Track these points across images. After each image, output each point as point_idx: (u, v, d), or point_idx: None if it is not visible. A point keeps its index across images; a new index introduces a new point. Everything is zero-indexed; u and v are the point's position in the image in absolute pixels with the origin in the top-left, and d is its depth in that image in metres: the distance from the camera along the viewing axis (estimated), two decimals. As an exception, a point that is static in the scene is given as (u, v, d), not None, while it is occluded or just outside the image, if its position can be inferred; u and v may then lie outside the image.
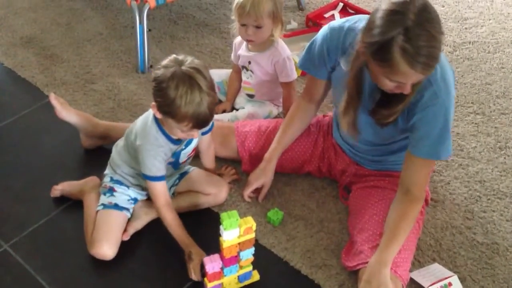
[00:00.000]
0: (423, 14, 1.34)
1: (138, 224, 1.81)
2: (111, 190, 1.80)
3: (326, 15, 2.84)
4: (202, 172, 1.91)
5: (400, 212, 1.64)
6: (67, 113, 1.98)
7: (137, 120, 1.74)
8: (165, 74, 1.51)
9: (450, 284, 1.68)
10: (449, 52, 2.68)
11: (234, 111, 2.25)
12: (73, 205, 1.89)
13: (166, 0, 2.42)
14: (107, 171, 1.84)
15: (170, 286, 1.70)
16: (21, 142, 2.15)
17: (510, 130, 2.28)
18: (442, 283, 1.67)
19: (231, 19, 2.05)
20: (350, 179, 1.92)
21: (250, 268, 1.66)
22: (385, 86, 1.47)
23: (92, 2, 2.94)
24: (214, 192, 1.87)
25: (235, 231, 1.51)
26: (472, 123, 2.30)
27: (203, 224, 1.81)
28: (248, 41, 2.08)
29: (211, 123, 1.70)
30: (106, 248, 1.70)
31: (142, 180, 1.77)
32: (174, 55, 1.57)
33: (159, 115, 1.59)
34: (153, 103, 1.57)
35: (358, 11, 2.82)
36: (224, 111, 2.25)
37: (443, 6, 3.01)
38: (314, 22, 2.76)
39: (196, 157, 1.88)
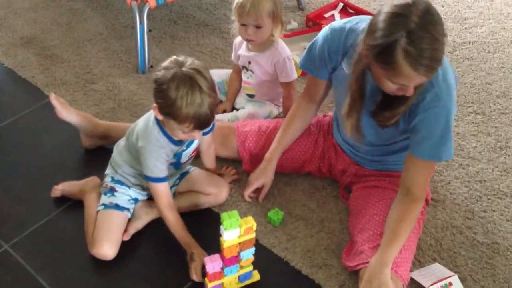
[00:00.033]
0: (426, 16, 1.34)
1: (139, 224, 1.81)
2: (112, 190, 1.80)
3: (326, 15, 2.84)
4: (202, 172, 1.91)
5: (400, 213, 1.64)
6: (67, 113, 1.98)
7: (139, 120, 1.74)
8: (166, 76, 1.51)
9: (450, 284, 1.68)
10: (449, 52, 2.68)
11: (234, 111, 2.25)
12: (73, 205, 1.89)
13: (166, 0, 2.42)
14: (108, 171, 1.84)
15: (170, 286, 1.70)
16: (21, 142, 2.15)
17: (510, 129, 2.28)
18: (442, 283, 1.67)
19: (231, 19, 2.05)
20: (351, 179, 1.92)
21: (251, 268, 1.66)
22: (388, 88, 1.47)
23: (92, 2, 2.95)
24: (214, 192, 1.87)
25: (235, 231, 1.51)
26: (472, 123, 2.30)
27: (204, 224, 1.81)
28: (248, 41, 2.08)
29: (212, 124, 1.70)
30: (107, 248, 1.70)
31: (143, 180, 1.77)
32: (174, 57, 1.57)
33: (160, 117, 1.59)
34: (154, 104, 1.58)
35: (358, 11, 2.82)
36: (224, 111, 2.25)
37: (443, 6, 3.01)
38: (314, 22, 2.76)
39: (196, 157, 1.88)
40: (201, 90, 1.50)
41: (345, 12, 2.87)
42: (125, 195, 1.81)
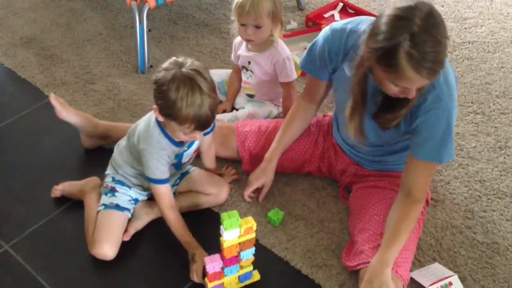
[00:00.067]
0: (429, 19, 1.34)
1: (139, 224, 1.81)
2: (113, 191, 1.80)
3: (326, 15, 2.84)
4: (202, 172, 1.91)
5: (401, 214, 1.65)
6: (67, 113, 1.98)
7: (139, 121, 1.74)
8: (166, 77, 1.51)
9: (450, 283, 1.68)
10: (449, 52, 2.66)
11: (234, 111, 2.25)
12: (73, 205, 1.89)
13: (166, 0, 2.42)
14: (108, 171, 1.84)
15: (170, 286, 1.70)
16: (21, 142, 2.15)
17: (510, 129, 2.28)
18: (442, 283, 1.67)
19: (231, 19, 2.05)
20: (350, 179, 1.92)
21: (251, 268, 1.66)
22: (390, 90, 1.47)
23: (92, 2, 2.94)
24: (214, 192, 1.87)
25: (235, 231, 1.51)
26: (472, 122, 2.30)
27: (204, 224, 1.81)
28: (247, 41, 2.08)
29: (212, 124, 1.70)
30: (107, 248, 1.70)
31: (144, 180, 1.77)
32: (174, 58, 1.57)
33: (161, 118, 1.59)
34: (155, 106, 1.57)
35: (358, 11, 2.82)
36: (224, 111, 2.25)
37: (443, 6, 3.01)
38: (314, 22, 2.76)
39: (197, 157, 1.88)
40: (201, 91, 1.50)
41: (344, 12, 2.87)
42: (126, 195, 1.81)
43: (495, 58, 2.66)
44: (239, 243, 1.55)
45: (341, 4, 2.90)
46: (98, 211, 1.77)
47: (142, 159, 1.67)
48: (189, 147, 1.75)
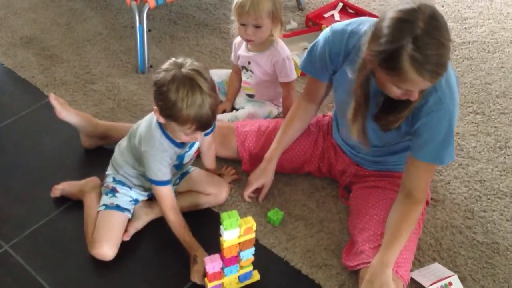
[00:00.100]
0: (431, 22, 1.33)
1: (139, 224, 1.81)
2: (113, 191, 1.80)
3: (326, 15, 2.84)
4: (202, 172, 1.91)
5: (401, 215, 1.65)
6: (67, 113, 1.97)
7: (140, 122, 1.74)
8: (165, 78, 1.51)
9: (450, 283, 1.68)
10: (449, 52, 2.68)
11: (234, 111, 2.25)
12: (73, 205, 1.89)
13: (165, 0, 2.42)
14: (109, 171, 1.84)
15: (170, 286, 1.70)
16: (21, 142, 2.15)
17: (510, 129, 2.28)
18: (442, 283, 1.67)
19: (231, 19, 2.05)
20: (350, 179, 1.92)
21: (251, 268, 1.66)
22: (393, 93, 1.46)
23: (92, 2, 2.94)
24: (214, 192, 1.87)
25: (235, 231, 1.51)
26: (472, 122, 2.30)
27: (204, 224, 1.81)
28: (247, 41, 2.08)
29: (213, 124, 1.69)
30: (107, 249, 1.70)
31: (145, 181, 1.76)
32: (173, 59, 1.56)
33: (162, 120, 1.58)
34: (156, 107, 1.57)
35: (358, 11, 2.82)
36: (224, 111, 2.25)
37: (443, 6, 3.01)
38: (314, 22, 2.76)
39: (197, 157, 1.88)
40: (201, 91, 1.50)
41: (344, 12, 2.87)
42: (127, 196, 1.80)
43: (495, 58, 2.66)
44: (239, 243, 1.55)
45: (341, 4, 2.90)
46: (99, 211, 1.77)
47: (144, 161, 1.67)
48: (190, 147, 1.75)
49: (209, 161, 1.94)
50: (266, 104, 2.23)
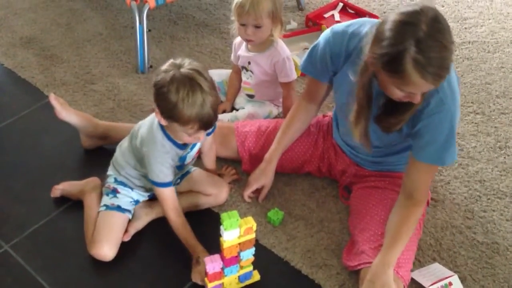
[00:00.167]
0: (434, 24, 1.33)
1: (139, 224, 1.81)
2: (115, 192, 1.80)
3: (326, 15, 2.84)
4: (203, 173, 1.91)
5: (402, 216, 1.65)
6: (67, 114, 1.97)
7: (142, 123, 1.73)
8: (165, 79, 1.51)
9: (450, 283, 1.68)
10: (449, 52, 2.68)
11: (234, 111, 2.25)
12: (73, 205, 1.89)
13: (166, 1, 2.42)
14: (110, 171, 1.84)
15: (170, 286, 1.70)
16: (21, 142, 2.15)
17: (510, 129, 2.28)
18: (442, 283, 1.67)
19: (231, 19, 2.05)
20: (350, 179, 1.92)
21: (251, 268, 1.66)
22: (395, 95, 1.46)
23: (92, 2, 2.94)
24: (214, 192, 1.87)
25: (235, 231, 1.51)
26: (472, 122, 2.30)
27: (204, 224, 1.81)
28: (247, 41, 2.07)
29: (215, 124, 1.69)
30: (107, 249, 1.70)
31: (147, 181, 1.76)
32: (171, 60, 1.56)
33: (164, 122, 1.58)
34: (156, 109, 1.57)
35: (358, 11, 2.82)
36: (224, 111, 2.25)
37: (443, 6, 3.01)
38: (314, 22, 2.76)
39: (197, 158, 1.88)
40: (202, 90, 1.50)
41: (344, 12, 2.87)
42: (127, 197, 1.80)
43: (495, 58, 2.66)
44: (239, 243, 1.55)
45: (341, 4, 2.90)
46: (99, 212, 1.77)
47: (146, 162, 1.67)
48: (192, 148, 1.74)
49: (210, 161, 1.94)
50: (266, 104, 2.23)
